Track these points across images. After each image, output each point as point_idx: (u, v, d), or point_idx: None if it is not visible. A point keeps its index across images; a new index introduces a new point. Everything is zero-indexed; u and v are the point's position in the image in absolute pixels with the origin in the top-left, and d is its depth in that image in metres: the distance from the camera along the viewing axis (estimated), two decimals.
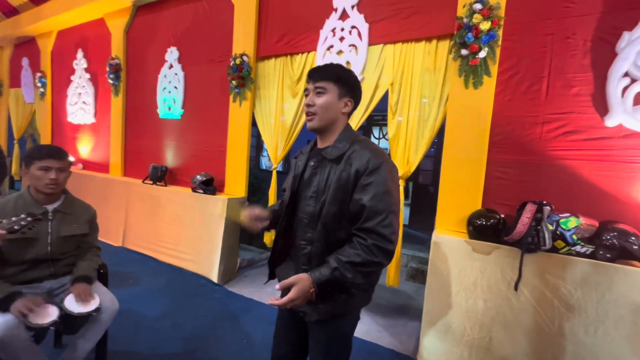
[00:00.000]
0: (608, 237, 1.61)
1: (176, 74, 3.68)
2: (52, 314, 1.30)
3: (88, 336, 1.47)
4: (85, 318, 1.41)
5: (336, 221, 1.02)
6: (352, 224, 1.00)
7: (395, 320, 2.60)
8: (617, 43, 1.71)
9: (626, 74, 1.69)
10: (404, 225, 4.72)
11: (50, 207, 1.51)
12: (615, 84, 1.71)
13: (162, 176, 3.67)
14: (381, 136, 7.09)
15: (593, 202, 1.79)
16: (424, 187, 5.30)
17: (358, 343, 2.17)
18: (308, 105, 1.07)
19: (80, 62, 4.69)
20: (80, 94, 4.72)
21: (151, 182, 3.69)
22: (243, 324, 2.36)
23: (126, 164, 4.27)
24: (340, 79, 1.06)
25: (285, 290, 0.97)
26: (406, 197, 3.09)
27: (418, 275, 3.50)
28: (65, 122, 5.03)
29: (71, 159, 4.72)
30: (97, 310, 1.42)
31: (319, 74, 1.06)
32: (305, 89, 1.10)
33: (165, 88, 3.79)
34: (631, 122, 1.70)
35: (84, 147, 4.81)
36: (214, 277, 3.02)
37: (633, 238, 1.58)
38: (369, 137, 6.86)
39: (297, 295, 0.94)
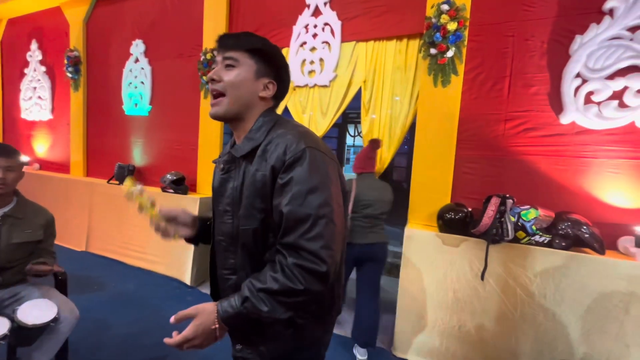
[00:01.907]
0: (563, 227, 1.73)
1: (142, 68, 3.51)
2: (1, 327, 1.20)
3: (45, 348, 1.37)
4: (41, 329, 1.31)
5: (259, 240, 0.77)
6: None
7: None
8: (570, 45, 1.84)
9: (578, 75, 1.82)
10: None
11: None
12: (568, 84, 1.83)
13: (129, 176, 3.48)
14: (356, 134, 7.18)
15: (550, 195, 1.91)
16: (398, 183, 5.43)
17: (333, 339, 2.18)
18: (212, 81, 0.79)
19: (34, 54, 4.34)
20: (35, 88, 4.38)
21: (117, 183, 3.50)
22: None
23: (89, 164, 4.02)
24: (259, 52, 0.80)
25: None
26: None
27: (393, 269, 3.58)
28: (18, 119, 4.64)
29: (24, 158, 4.37)
30: (55, 320, 1.32)
31: (230, 41, 0.80)
32: (213, 62, 0.85)
33: (131, 83, 3.60)
34: (583, 120, 1.83)
35: (41, 146, 4.47)
36: (187, 279, 2.92)
37: (585, 227, 1.71)
38: (343, 135, 6.93)
39: (194, 334, 0.71)
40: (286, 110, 2.76)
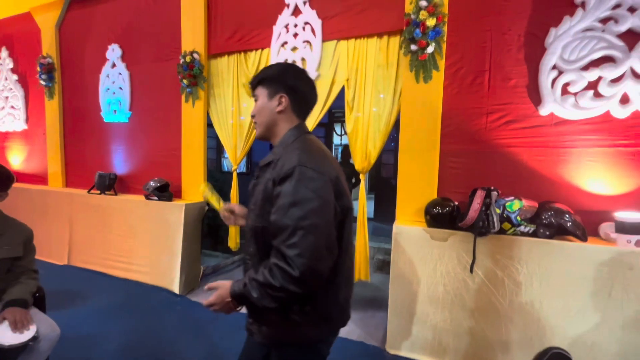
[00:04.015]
0: (546, 216, 1.77)
1: (120, 73, 3.41)
2: None
3: None
4: (19, 350, 1.25)
5: (267, 237, 0.88)
6: None
7: (363, 312, 2.64)
8: (545, 38, 1.87)
9: (554, 67, 1.86)
10: (370, 219, 4.83)
11: None
12: (545, 76, 1.87)
13: (111, 184, 3.38)
14: (343, 132, 7.19)
15: (532, 185, 1.95)
16: (387, 180, 5.46)
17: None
18: (253, 117, 1.02)
19: (5, 62, 4.16)
20: (7, 97, 4.20)
21: (98, 192, 3.39)
22: (209, 335, 2.25)
23: (68, 174, 3.88)
24: (264, 80, 0.98)
25: None
26: (368, 191, 3.17)
27: (385, 266, 3.60)
28: None
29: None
30: (34, 339, 1.26)
31: (251, 84, 1.03)
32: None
33: (108, 89, 3.49)
34: (561, 111, 1.87)
35: (16, 158, 4.29)
36: (175, 288, 2.85)
37: (567, 216, 1.74)
38: (330, 135, 6.92)
39: (215, 301, 0.90)
40: None
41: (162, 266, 2.94)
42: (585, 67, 1.80)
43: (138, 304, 2.68)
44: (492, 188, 1.83)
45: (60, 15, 3.69)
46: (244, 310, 0.95)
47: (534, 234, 1.79)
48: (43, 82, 3.75)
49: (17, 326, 1.24)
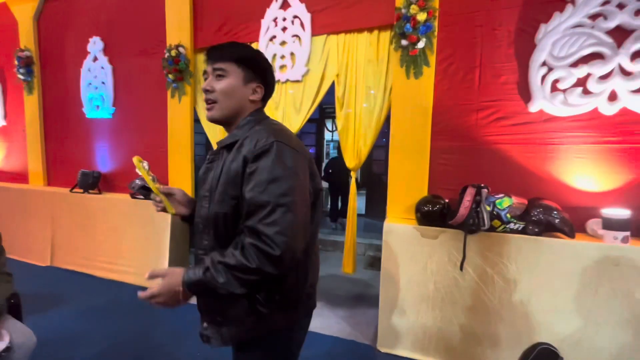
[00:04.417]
0: (535, 213, 1.77)
1: (102, 67, 3.28)
2: None
3: None
4: None
5: (229, 224, 0.83)
6: None
7: (354, 309, 2.63)
8: (535, 34, 1.86)
9: (544, 63, 1.85)
10: (360, 215, 4.83)
11: None
12: (535, 72, 1.86)
13: (94, 183, 3.27)
14: (334, 128, 7.14)
15: (522, 182, 1.95)
16: (378, 176, 5.46)
17: (318, 338, 2.15)
18: (206, 91, 0.89)
19: None
20: None
21: (82, 191, 3.28)
22: (196, 336, 2.20)
23: (49, 172, 3.74)
24: (245, 60, 0.89)
25: None
26: (358, 187, 3.14)
27: (376, 263, 3.59)
28: None
29: None
30: (8, 349, 1.20)
31: (217, 53, 0.89)
32: (204, 72, 0.92)
33: (90, 83, 3.36)
34: (550, 107, 1.86)
35: None
36: None
37: (555, 212, 1.75)
38: (322, 131, 6.86)
39: (160, 291, 0.78)
40: None
41: (149, 267, 2.84)
42: (575, 64, 1.80)
43: (123, 305, 2.61)
44: (483, 185, 1.82)
45: (38, 6, 3.52)
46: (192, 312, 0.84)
47: (523, 231, 1.79)
48: (21, 77, 3.60)
49: None
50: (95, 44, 3.28)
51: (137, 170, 0.98)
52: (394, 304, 2.03)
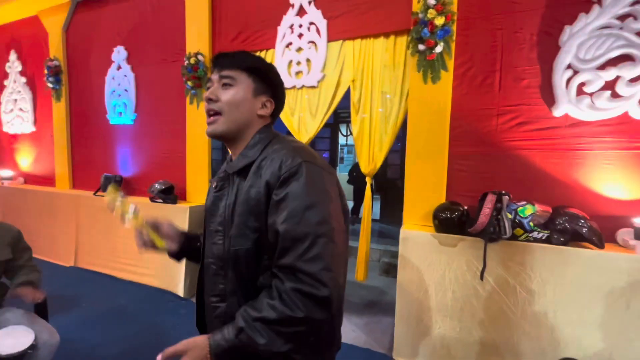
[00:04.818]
0: (560, 222, 1.69)
1: (125, 75, 3.41)
2: None
3: None
4: (17, 358, 1.23)
5: (252, 262, 0.71)
6: None
7: (369, 317, 2.59)
8: (559, 36, 1.80)
9: (569, 66, 1.78)
10: (374, 220, 4.78)
11: None
12: (559, 75, 1.80)
13: (112, 184, 3.38)
14: (348, 133, 7.14)
15: (546, 189, 1.88)
16: (393, 181, 5.40)
17: None
18: (209, 100, 0.77)
19: (13, 65, 4.21)
20: (15, 100, 4.24)
21: (103, 195, 3.39)
22: None
23: (74, 176, 3.90)
24: (257, 70, 0.79)
25: None
26: (373, 192, 3.11)
27: (391, 269, 3.54)
28: (0, 132, 4.50)
29: (6, 173, 4.23)
30: (33, 347, 1.24)
31: (227, 60, 0.78)
32: (208, 80, 0.81)
33: (114, 91, 3.50)
34: (575, 112, 1.79)
35: (24, 159, 4.34)
36: (180, 291, 2.84)
37: (582, 221, 1.67)
38: (336, 135, 6.87)
39: None
40: None
41: (167, 269, 2.92)
42: (602, 67, 1.72)
43: (143, 307, 2.67)
44: (503, 192, 1.77)
45: (67, 18, 3.71)
46: None
47: (547, 240, 1.72)
48: (50, 85, 3.78)
49: (30, 300, 1.28)
50: (119, 53, 3.41)
51: (107, 205, 0.83)
52: (410, 313, 1.99)
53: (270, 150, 0.75)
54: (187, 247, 0.92)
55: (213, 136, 0.79)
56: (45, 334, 1.32)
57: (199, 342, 0.67)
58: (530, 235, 1.73)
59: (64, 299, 2.64)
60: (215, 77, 0.79)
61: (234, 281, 0.74)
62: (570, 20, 1.78)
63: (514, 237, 1.75)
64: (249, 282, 0.72)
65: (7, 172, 4.31)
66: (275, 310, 0.63)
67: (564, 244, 1.69)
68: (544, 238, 1.72)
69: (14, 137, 4.39)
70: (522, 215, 1.73)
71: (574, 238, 1.69)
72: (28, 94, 4.13)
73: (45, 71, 3.77)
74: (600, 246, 1.64)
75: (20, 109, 4.22)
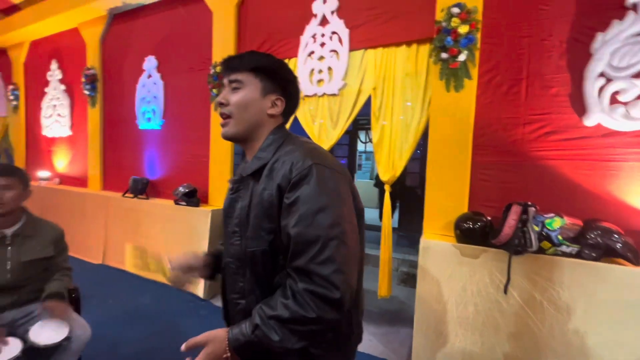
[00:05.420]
0: (592, 236, 1.62)
1: (155, 83, 3.58)
2: (14, 348, 1.20)
3: None
4: (53, 349, 1.31)
5: (268, 262, 0.74)
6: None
7: (387, 327, 2.55)
8: (591, 44, 1.74)
9: (601, 74, 1.72)
10: (393, 229, 4.70)
11: (8, 232, 1.41)
12: (591, 84, 1.73)
13: (143, 189, 3.54)
14: (367, 140, 7.11)
15: (576, 201, 1.80)
16: (412, 189, 5.31)
17: None
18: (220, 104, 0.80)
19: (54, 74, 4.52)
20: (55, 106, 4.55)
21: (132, 196, 3.56)
22: None
23: (105, 178, 4.12)
24: (263, 70, 0.79)
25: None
26: (393, 200, 3.07)
27: (409, 279, 3.47)
28: (40, 136, 4.83)
29: (44, 174, 4.52)
30: (67, 339, 1.32)
31: (234, 63, 0.80)
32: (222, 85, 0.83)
33: (144, 98, 3.68)
34: (609, 121, 1.72)
35: (61, 161, 4.62)
36: (200, 293, 2.91)
37: (616, 236, 1.59)
38: (355, 142, 6.86)
39: None
40: (296, 120, 2.74)
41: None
42: (638, 75, 1.65)
43: (164, 306, 2.76)
44: (530, 203, 1.71)
45: (104, 29, 3.96)
46: None
47: (577, 255, 1.64)
48: (87, 92, 4.03)
49: (56, 315, 1.32)
50: (150, 62, 3.60)
51: (155, 269, 0.93)
52: (429, 325, 1.95)
53: (282, 152, 0.77)
54: (218, 265, 0.96)
55: (226, 138, 0.83)
56: (79, 327, 1.39)
57: (219, 335, 0.70)
58: (559, 249, 1.66)
59: (91, 295, 2.77)
60: (225, 81, 0.82)
61: (251, 280, 0.77)
62: (603, 27, 1.71)
63: (541, 251, 1.69)
64: (266, 280, 0.75)
65: (44, 173, 4.60)
66: (289, 310, 0.65)
67: (596, 259, 1.61)
68: (574, 253, 1.65)
69: (52, 141, 4.69)
70: (549, 227, 1.67)
71: (606, 253, 1.60)
72: (66, 100, 4.42)
73: (83, 79, 4.03)
74: (636, 262, 1.55)
75: (59, 114, 4.51)
